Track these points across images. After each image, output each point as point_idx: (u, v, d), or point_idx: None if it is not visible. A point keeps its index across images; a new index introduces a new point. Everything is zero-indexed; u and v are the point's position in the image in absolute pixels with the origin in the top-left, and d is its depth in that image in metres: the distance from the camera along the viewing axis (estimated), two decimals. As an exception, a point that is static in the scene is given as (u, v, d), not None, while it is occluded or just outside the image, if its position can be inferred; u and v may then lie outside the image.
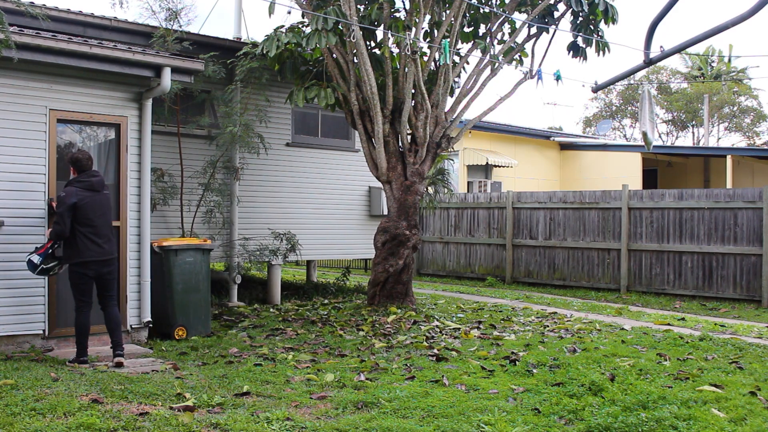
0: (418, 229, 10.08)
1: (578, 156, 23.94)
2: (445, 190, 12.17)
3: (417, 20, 9.72)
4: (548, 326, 9.12)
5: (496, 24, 10.58)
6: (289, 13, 10.31)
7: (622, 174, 21.71)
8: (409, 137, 10.19)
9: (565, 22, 11.51)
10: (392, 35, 9.51)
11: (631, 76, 12.61)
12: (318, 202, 11.66)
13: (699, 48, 40.19)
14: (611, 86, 23.49)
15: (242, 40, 11.10)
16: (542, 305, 11.43)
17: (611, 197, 13.48)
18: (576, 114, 77.35)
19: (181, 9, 9.71)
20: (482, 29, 10.76)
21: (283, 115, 11.27)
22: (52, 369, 6.15)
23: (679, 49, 10.23)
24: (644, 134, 10.93)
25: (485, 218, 15.40)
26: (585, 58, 10.83)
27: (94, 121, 7.53)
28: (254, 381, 6.00)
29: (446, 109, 10.38)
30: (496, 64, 10.40)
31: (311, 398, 5.50)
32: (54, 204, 6.91)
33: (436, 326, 8.86)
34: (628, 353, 7.25)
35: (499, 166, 21.04)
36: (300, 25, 9.87)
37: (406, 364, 6.76)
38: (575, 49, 10.83)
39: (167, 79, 7.61)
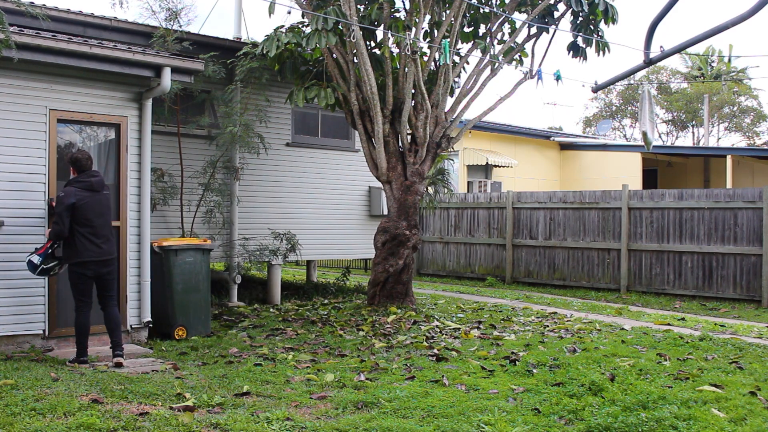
0: (418, 229, 10.08)
1: (578, 156, 23.94)
2: (445, 190, 12.17)
3: (417, 20, 9.72)
4: (548, 326, 9.12)
5: (496, 24, 10.58)
6: (289, 13, 10.33)
7: (622, 174, 21.71)
8: (409, 137, 10.19)
9: (565, 22, 11.52)
10: (392, 35, 9.51)
11: (631, 76, 12.61)
12: (318, 202, 11.66)
13: (699, 48, 40.21)
14: (611, 86, 23.50)
15: (242, 40, 11.10)
16: (542, 305, 11.43)
17: (611, 197, 13.48)
18: (576, 114, 77.40)
19: (181, 9, 9.73)
20: (482, 29, 10.76)
21: (283, 115, 11.27)
22: (52, 369, 6.15)
23: (679, 49, 10.23)
24: (644, 134, 10.94)
25: (485, 218, 15.40)
26: (585, 58, 10.84)
27: (94, 121, 7.53)
28: (254, 381, 6.00)
29: (446, 109, 10.38)
30: (496, 64, 10.40)
31: (311, 398, 5.50)
32: (54, 204, 6.91)
33: (436, 326, 8.86)
34: (628, 353, 7.25)
35: (499, 166, 21.04)
36: (300, 25, 9.87)
37: (406, 364, 6.76)
38: (575, 49, 10.83)
39: (167, 79, 7.61)
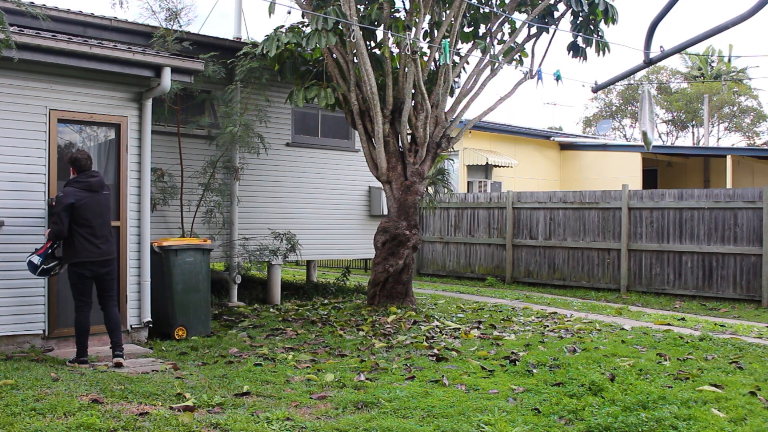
0: (418, 229, 10.08)
1: (578, 156, 23.95)
2: (445, 190, 12.17)
3: (417, 20, 9.72)
4: (548, 326, 9.12)
5: (496, 24, 10.58)
6: (289, 13, 10.33)
7: (622, 174, 21.71)
8: (409, 137, 10.19)
9: (565, 22, 11.53)
10: (392, 35, 9.51)
11: (631, 76, 12.61)
12: (318, 202, 11.66)
13: (699, 48, 40.22)
14: (611, 86, 23.51)
15: (242, 40, 11.11)
16: (542, 305, 11.43)
17: (611, 197, 13.48)
18: (576, 114, 77.40)
19: (181, 9, 9.73)
20: (482, 29, 10.76)
21: (283, 115, 11.27)
22: (52, 369, 6.15)
23: (679, 49, 10.23)
24: (644, 134, 10.94)
25: (485, 218, 15.40)
26: (585, 58, 10.84)
27: (94, 121, 7.53)
28: (254, 381, 6.00)
29: (446, 109, 10.38)
30: (496, 64, 10.40)
31: (311, 398, 5.50)
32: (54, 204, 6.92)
33: (436, 326, 8.86)
34: (628, 353, 7.25)
35: (499, 166, 21.04)
36: (300, 25, 9.87)
37: (406, 364, 6.76)
38: (575, 49, 10.84)
39: (167, 79, 7.61)
